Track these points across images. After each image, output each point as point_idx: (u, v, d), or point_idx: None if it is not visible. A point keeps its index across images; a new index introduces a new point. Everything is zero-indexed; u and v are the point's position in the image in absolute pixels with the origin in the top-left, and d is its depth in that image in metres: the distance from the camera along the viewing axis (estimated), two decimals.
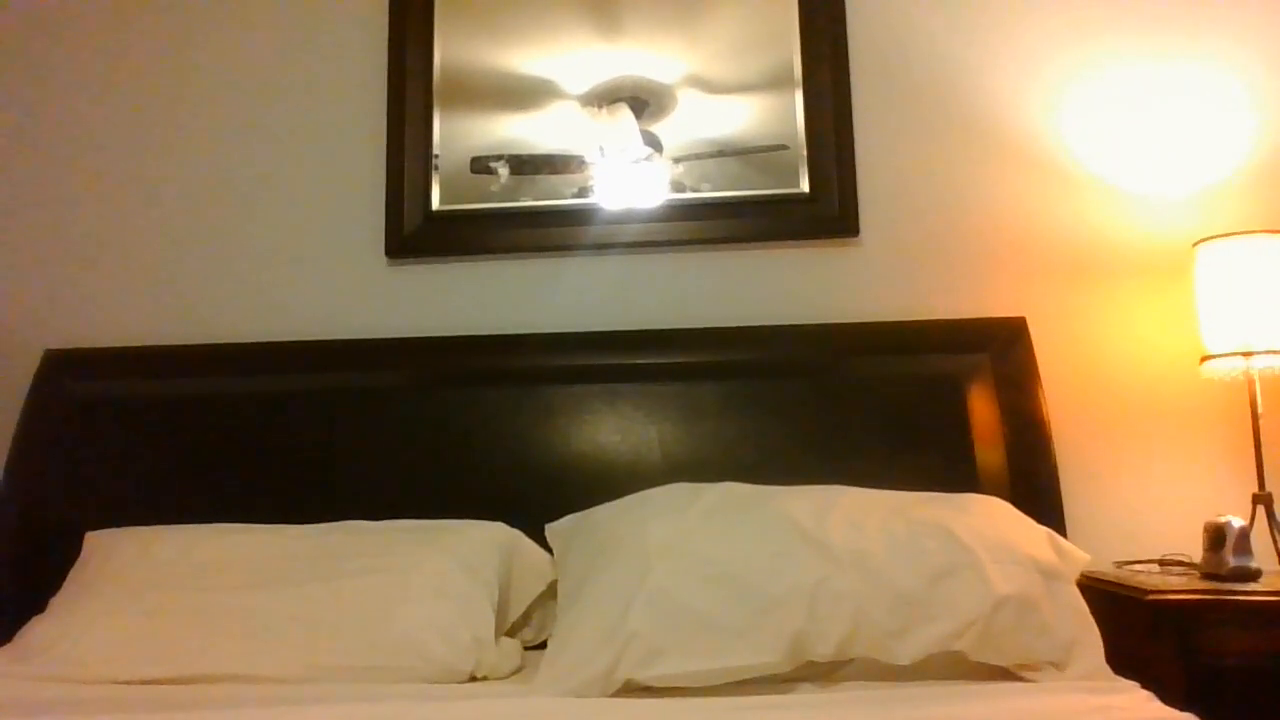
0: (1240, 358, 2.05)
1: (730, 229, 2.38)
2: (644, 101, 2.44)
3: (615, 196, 2.42)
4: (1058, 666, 1.61)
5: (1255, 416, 2.05)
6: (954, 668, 1.60)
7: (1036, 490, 2.09)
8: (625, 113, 2.43)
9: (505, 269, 2.43)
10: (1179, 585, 1.81)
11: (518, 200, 2.43)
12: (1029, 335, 2.23)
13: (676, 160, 2.41)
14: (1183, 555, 2.02)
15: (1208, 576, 1.86)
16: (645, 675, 1.56)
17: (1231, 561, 1.84)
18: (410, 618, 1.76)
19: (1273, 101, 2.34)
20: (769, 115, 2.41)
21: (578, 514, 2.00)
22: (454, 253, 2.43)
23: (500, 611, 1.88)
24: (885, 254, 2.36)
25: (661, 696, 1.55)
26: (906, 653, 1.58)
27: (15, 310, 2.47)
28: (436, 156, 2.45)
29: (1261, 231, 2.10)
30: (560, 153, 2.44)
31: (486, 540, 1.97)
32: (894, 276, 2.35)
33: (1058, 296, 2.31)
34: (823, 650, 1.58)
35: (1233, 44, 2.36)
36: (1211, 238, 2.13)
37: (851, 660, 1.62)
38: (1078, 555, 1.76)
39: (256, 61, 2.54)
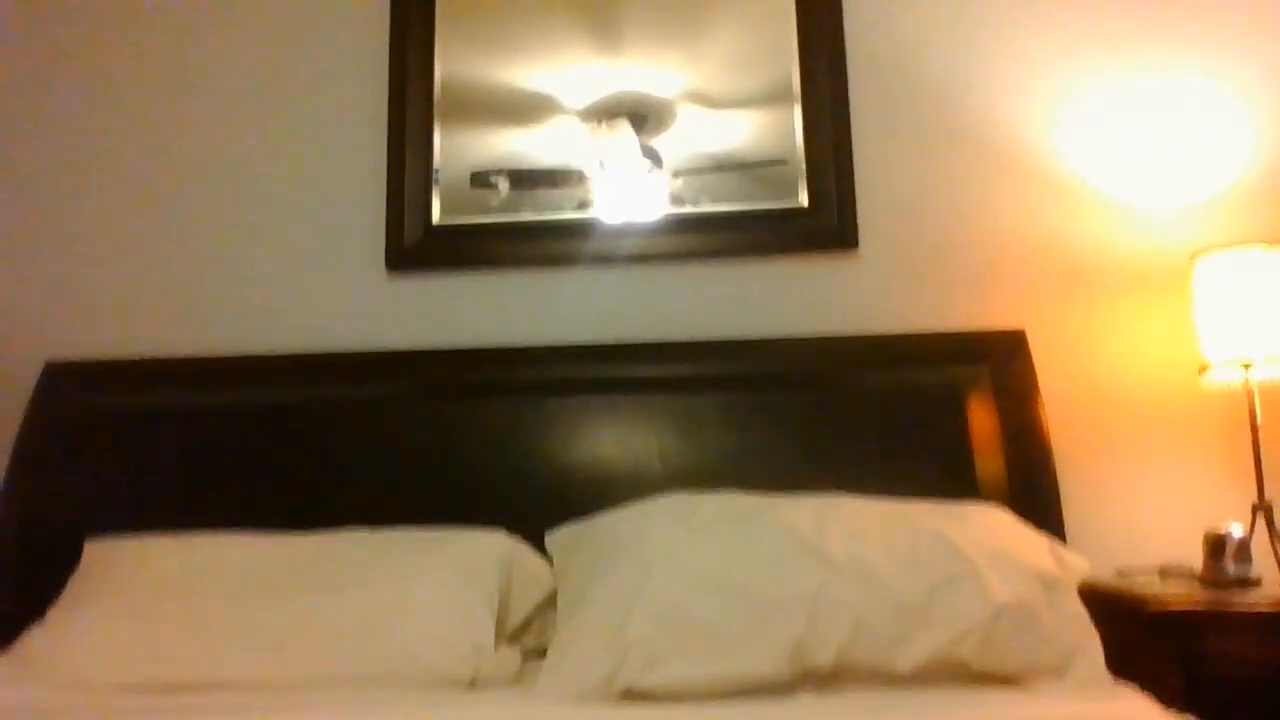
0: (1239, 369, 2.06)
1: (729, 242, 2.39)
2: (643, 116, 2.46)
3: (615, 210, 2.43)
4: (1058, 674, 1.60)
5: (1254, 427, 2.05)
6: (954, 675, 1.60)
7: (1036, 500, 2.09)
8: (625, 127, 2.45)
9: (505, 282, 2.44)
10: (1179, 594, 1.81)
11: (518, 214, 2.44)
12: (1028, 347, 2.24)
13: (676, 174, 2.43)
14: (1183, 565, 2.02)
15: (1208, 585, 1.86)
16: (645, 682, 1.56)
17: (1231, 570, 1.84)
18: (410, 626, 1.76)
19: (1271, 115, 2.36)
20: (768, 130, 2.43)
21: (578, 522, 2.00)
22: (454, 266, 2.44)
23: (500, 619, 1.87)
24: (884, 266, 2.37)
25: (661, 704, 1.54)
26: (906, 660, 1.58)
27: (16, 321, 2.48)
28: (437, 170, 2.46)
29: (1259, 244, 2.11)
30: (560, 167, 2.46)
31: (487, 549, 1.97)
32: (893, 289, 2.36)
33: (1057, 308, 2.32)
34: (822, 658, 1.58)
35: (1231, 57, 2.38)
36: (1210, 250, 2.14)
37: (851, 668, 1.61)
38: (1078, 564, 1.77)
39: (258, 75, 2.56)
